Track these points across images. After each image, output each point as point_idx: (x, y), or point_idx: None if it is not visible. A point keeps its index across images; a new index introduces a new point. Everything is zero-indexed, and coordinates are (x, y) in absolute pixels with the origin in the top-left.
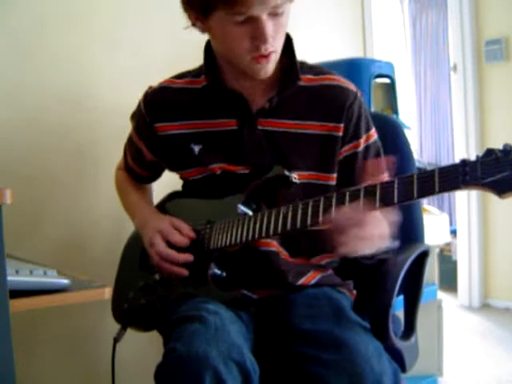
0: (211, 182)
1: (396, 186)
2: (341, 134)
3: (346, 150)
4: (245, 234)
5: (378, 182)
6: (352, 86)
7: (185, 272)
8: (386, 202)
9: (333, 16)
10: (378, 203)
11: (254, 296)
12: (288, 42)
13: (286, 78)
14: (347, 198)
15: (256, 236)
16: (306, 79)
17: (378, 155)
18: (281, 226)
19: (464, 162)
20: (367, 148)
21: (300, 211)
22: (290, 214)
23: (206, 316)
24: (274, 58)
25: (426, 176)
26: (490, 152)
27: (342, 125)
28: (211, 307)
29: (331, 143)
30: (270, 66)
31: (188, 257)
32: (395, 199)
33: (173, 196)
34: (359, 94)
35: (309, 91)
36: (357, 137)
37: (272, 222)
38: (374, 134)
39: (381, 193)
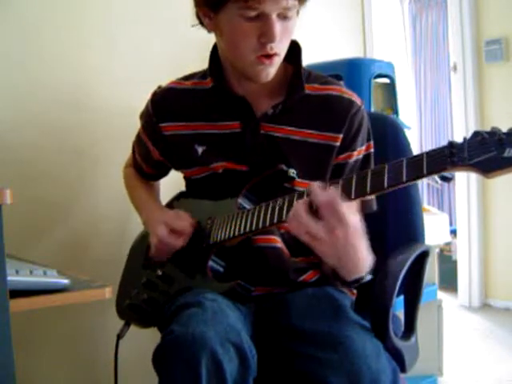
0: (213, 180)
1: (386, 170)
2: (338, 143)
3: (338, 159)
4: (242, 226)
5: (368, 169)
6: (356, 98)
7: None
8: (377, 186)
9: (333, 16)
10: (369, 189)
11: (251, 287)
12: (296, 50)
13: (291, 87)
14: (340, 185)
15: (253, 228)
16: (311, 88)
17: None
18: (277, 216)
19: (451, 144)
20: (357, 161)
21: (295, 201)
22: (285, 204)
23: (204, 301)
24: (277, 61)
25: (415, 160)
26: (476, 134)
27: (340, 135)
28: (209, 295)
29: (328, 152)
30: (271, 70)
31: (184, 242)
32: (385, 184)
33: (180, 196)
34: (362, 107)
35: (313, 100)
36: (352, 149)
37: (268, 214)
38: (369, 148)
39: (372, 178)
